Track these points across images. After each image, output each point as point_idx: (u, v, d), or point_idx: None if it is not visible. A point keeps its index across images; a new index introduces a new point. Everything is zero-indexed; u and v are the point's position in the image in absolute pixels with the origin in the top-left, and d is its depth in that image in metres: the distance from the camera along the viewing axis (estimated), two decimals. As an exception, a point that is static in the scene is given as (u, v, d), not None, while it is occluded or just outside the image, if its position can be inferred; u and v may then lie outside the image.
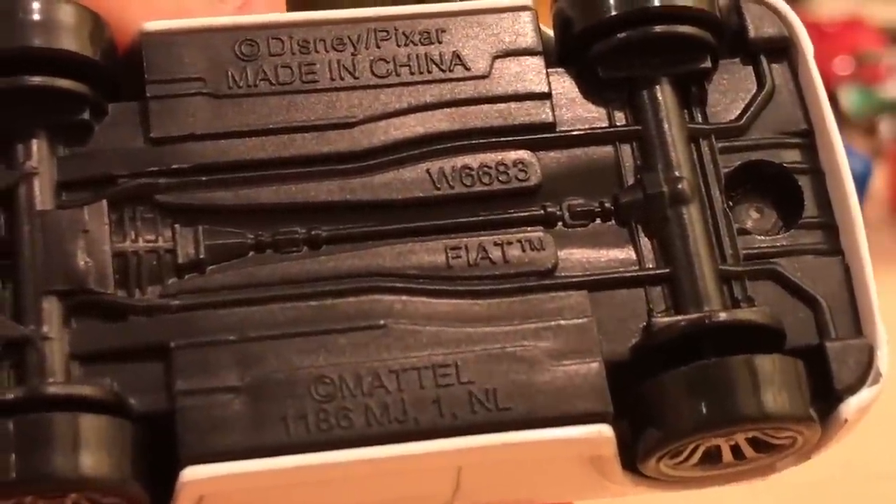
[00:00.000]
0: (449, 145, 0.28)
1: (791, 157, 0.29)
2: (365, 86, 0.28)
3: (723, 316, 0.27)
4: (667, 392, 0.26)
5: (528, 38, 0.29)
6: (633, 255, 0.28)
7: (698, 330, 0.27)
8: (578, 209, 0.28)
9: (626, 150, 0.28)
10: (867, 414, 0.27)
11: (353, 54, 0.28)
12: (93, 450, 0.24)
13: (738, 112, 0.29)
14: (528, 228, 0.28)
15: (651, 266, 0.28)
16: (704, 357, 0.26)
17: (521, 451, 0.26)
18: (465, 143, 0.28)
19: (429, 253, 0.27)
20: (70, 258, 0.26)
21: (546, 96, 0.28)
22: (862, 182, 1.15)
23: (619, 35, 0.28)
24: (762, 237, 0.28)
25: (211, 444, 0.25)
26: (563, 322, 0.27)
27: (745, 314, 0.27)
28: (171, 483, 0.25)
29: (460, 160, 0.28)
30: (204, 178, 0.27)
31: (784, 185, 0.29)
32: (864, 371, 0.27)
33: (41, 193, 0.26)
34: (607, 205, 0.28)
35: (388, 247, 0.27)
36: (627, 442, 0.27)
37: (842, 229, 0.28)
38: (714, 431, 0.26)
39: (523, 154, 0.28)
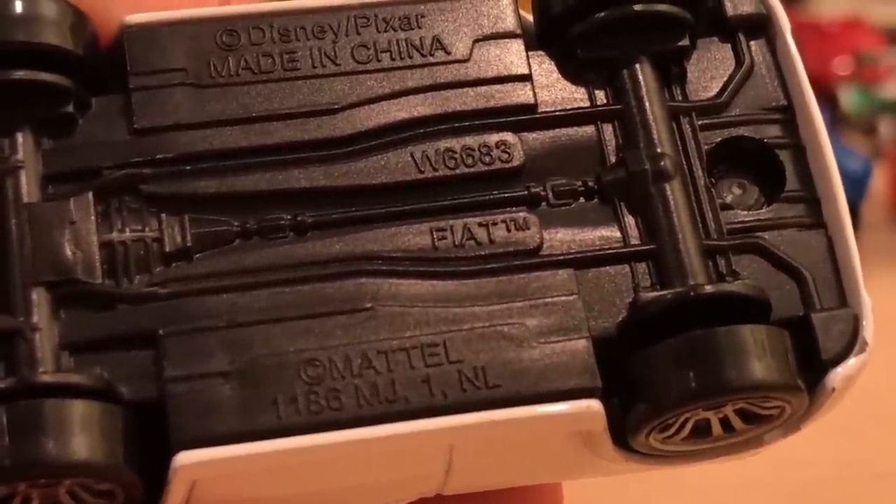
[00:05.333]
0: (432, 129, 0.28)
1: (771, 132, 0.29)
2: (346, 72, 0.28)
3: (708, 289, 0.27)
4: (654, 364, 0.26)
5: (508, 22, 0.29)
6: (617, 232, 0.28)
7: (684, 303, 0.27)
8: (562, 189, 0.28)
9: (607, 129, 0.29)
10: (854, 383, 0.27)
11: (333, 41, 0.28)
12: (84, 435, 0.24)
13: (718, 89, 0.29)
14: (513, 209, 0.28)
15: (636, 243, 0.28)
16: (691, 331, 0.27)
17: (512, 428, 0.26)
18: (448, 126, 0.28)
19: (414, 235, 0.27)
20: (57, 249, 0.26)
21: (527, 78, 0.28)
22: (862, 182, 1.15)
23: (597, 15, 0.28)
24: (745, 212, 0.28)
25: (202, 428, 0.25)
26: (549, 300, 0.27)
27: (730, 287, 0.27)
28: (165, 470, 0.25)
29: (443, 143, 0.28)
30: (188, 168, 0.27)
31: (765, 160, 0.29)
32: (850, 340, 0.27)
33: (27, 186, 0.26)
34: (590, 184, 0.28)
35: (373, 231, 0.27)
36: (618, 418, 0.27)
37: (824, 202, 0.28)
38: (702, 402, 0.26)
39: (506, 136, 0.28)
